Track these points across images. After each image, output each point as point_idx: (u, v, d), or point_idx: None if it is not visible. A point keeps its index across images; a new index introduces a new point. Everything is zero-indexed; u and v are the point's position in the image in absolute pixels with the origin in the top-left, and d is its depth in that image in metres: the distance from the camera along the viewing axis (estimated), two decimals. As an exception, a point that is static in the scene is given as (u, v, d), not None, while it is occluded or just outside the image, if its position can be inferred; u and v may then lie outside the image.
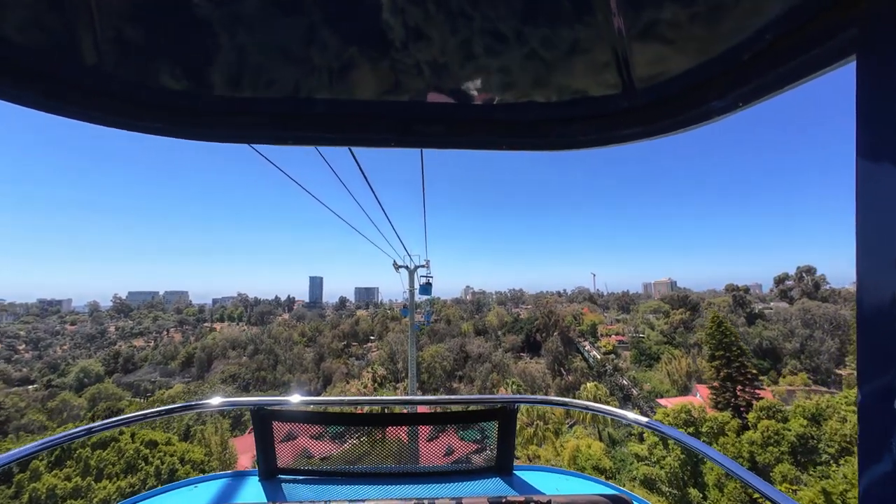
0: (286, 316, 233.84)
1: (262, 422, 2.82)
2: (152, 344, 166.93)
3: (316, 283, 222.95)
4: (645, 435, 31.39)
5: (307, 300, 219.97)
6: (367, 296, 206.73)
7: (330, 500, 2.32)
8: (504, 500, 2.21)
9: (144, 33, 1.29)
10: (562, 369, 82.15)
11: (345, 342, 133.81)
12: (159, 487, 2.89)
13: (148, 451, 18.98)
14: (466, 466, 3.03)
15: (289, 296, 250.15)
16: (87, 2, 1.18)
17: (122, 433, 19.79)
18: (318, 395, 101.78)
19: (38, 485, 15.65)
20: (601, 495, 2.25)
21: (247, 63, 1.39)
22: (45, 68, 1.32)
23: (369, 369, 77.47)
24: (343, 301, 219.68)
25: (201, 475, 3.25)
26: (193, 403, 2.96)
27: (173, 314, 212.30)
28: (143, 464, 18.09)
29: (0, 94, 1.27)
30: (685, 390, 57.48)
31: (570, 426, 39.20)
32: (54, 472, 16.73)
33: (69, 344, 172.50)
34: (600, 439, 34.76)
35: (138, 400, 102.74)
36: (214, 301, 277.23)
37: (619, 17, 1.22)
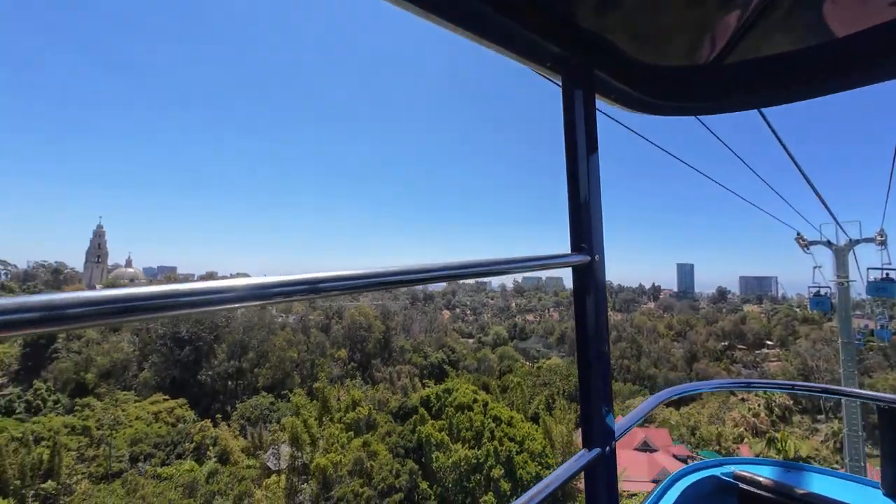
0: (651, 305, 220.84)
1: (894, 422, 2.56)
2: (538, 319, 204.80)
3: (685, 271, 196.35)
4: None
5: (675, 289, 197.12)
6: (757, 287, 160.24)
7: None
8: None
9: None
10: None
11: (725, 343, 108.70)
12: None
13: (494, 425, 21.83)
14: None
15: (653, 284, 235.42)
16: None
17: (475, 401, 23.90)
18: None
19: (422, 428, 21.53)
20: None
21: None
22: None
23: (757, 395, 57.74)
24: (723, 292, 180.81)
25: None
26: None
27: (552, 296, 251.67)
28: (487, 440, 20.86)
29: None
30: None
31: None
32: (431, 422, 22.60)
33: (490, 313, 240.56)
34: None
35: (527, 363, 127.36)
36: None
37: None
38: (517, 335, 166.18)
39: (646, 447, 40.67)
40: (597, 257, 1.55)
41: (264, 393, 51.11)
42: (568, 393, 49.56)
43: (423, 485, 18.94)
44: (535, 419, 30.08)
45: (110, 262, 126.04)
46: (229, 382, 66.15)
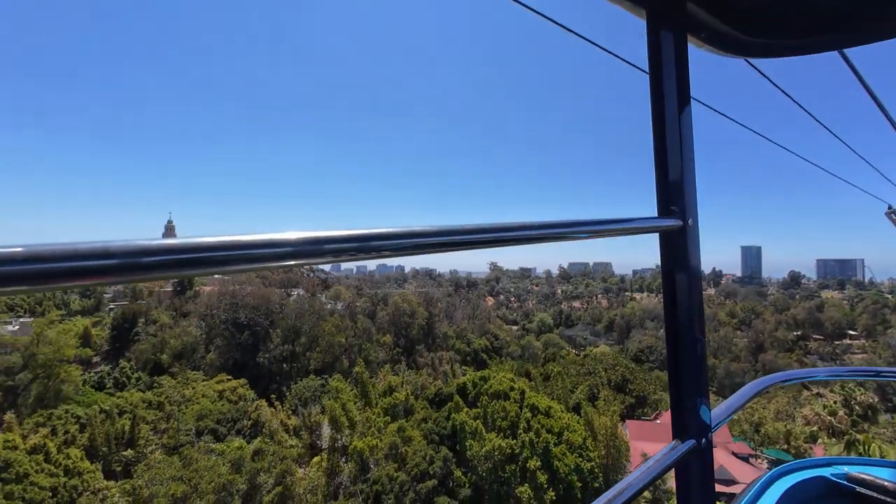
0: (711, 291, 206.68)
1: None
2: (585, 306, 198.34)
3: (751, 254, 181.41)
4: None
5: (738, 273, 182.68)
6: (839, 270, 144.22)
7: None
8: None
9: None
10: None
11: (798, 332, 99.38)
12: None
13: (530, 414, 21.35)
14: None
15: (714, 268, 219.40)
16: None
17: (511, 389, 23.50)
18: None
19: (457, 415, 21.56)
20: None
21: None
22: None
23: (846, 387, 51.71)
24: (796, 277, 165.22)
25: None
26: None
27: (600, 282, 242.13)
28: (523, 430, 20.40)
29: None
30: None
31: None
32: (466, 410, 22.55)
33: (535, 300, 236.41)
34: None
35: (573, 351, 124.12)
36: (634, 272, 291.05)
37: None
38: (563, 322, 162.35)
39: None
40: (690, 222, 1.43)
41: (313, 375, 53.93)
42: (614, 383, 47.40)
43: (458, 472, 18.99)
44: (577, 409, 29.06)
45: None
46: (284, 365, 70.60)
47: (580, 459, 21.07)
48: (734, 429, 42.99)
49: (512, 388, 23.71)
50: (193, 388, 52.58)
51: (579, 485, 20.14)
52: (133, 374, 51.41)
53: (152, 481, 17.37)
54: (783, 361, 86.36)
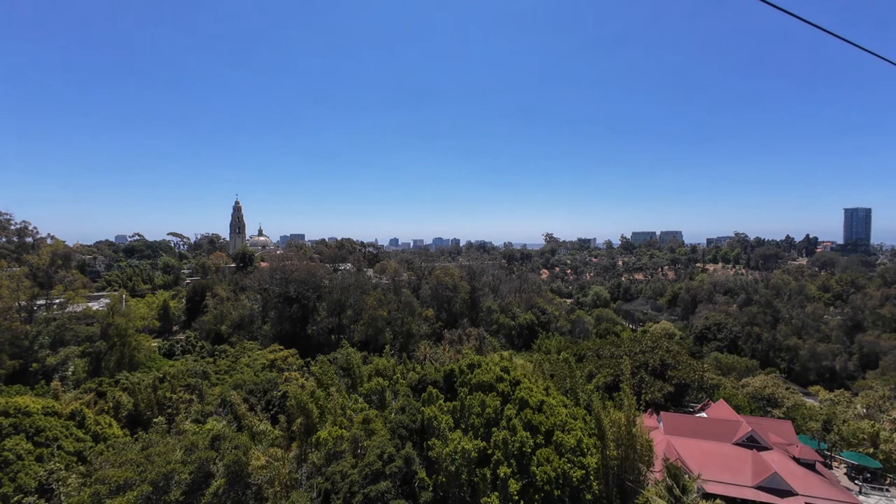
0: (802, 261, 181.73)
1: None
2: (648, 279, 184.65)
3: (857, 218, 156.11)
4: None
5: (839, 241, 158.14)
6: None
7: None
8: None
9: None
10: None
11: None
12: None
13: (514, 410, 18.99)
14: None
15: (807, 235, 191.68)
16: None
17: (501, 380, 21.40)
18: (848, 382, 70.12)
19: (427, 409, 20.09)
20: None
21: None
22: None
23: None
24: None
25: None
26: None
27: (667, 253, 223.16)
28: (497, 429, 17.93)
29: None
30: None
31: None
32: (440, 402, 21.00)
33: (593, 272, 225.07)
34: None
35: (630, 327, 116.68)
36: (708, 241, 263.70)
37: None
38: (621, 296, 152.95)
39: (752, 442, 32.44)
40: None
41: (352, 350, 55.70)
42: (651, 367, 41.61)
43: (422, 473, 17.65)
44: (587, 404, 25.69)
45: (248, 232, 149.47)
46: (332, 336, 74.36)
47: (569, 465, 18.47)
48: (805, 425, 36.89)
49: (501, 380, 21.48)
50: (249, 356, 57.20)
51: (558, 493, 17.76)
52: (197, 343, 57.14)
53: (106, 464, 18.67)
54: (887, 343, 73.31)
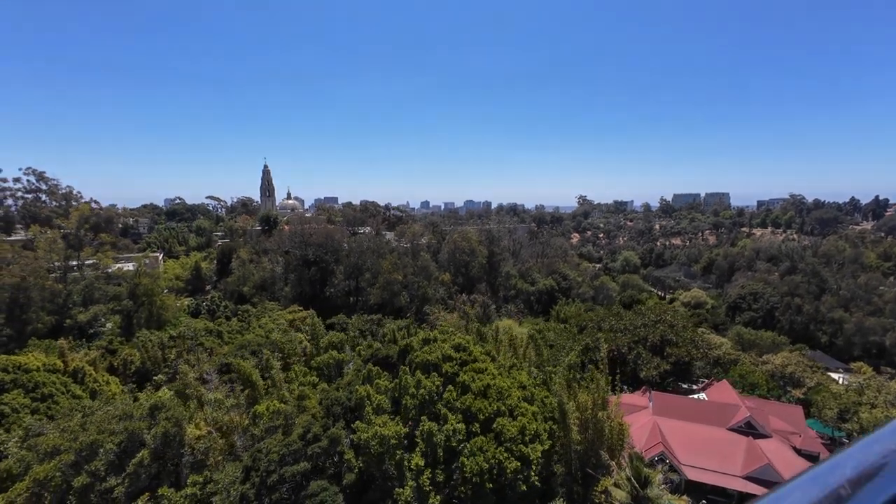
0: (867, 225, 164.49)
1: None
2: (686, 244, 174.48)
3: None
4: None
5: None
6: None
7: None
8: None
9: None
10: None
11: None
12: None
13: (454, 395, 17.96)
14: None
15: (877, 196, 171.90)
16: None
17: (448, 359, 20.56)
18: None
19: (360, 388, 19.56)
20: None
21: None
22: None
23: None
24: None
25: None
26: None
27: (710, 216, 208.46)
28: (427, 416, 17.07)
29: None
30: None
31: None
32: (378, 381, 20.42)
33: (627, 236, 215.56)
34: None
35: (657, 293, 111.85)
36: (759, 203, 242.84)
37: None
38: (653, 261, 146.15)
39: (750, 429, 30.04)
40: None
41: (366, 316, 56.91)
42: (651, 343, 38.89)
43: (349, 454, 17.46)
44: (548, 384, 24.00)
45: (278, 196, 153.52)
46: (350, 298, 76.49)
47: (506, 455, 17.59)
48: (820, 412, 33.84)
49: (449, 359, 20.52)
50: (269, 316, 60.08)
51: (490, 486, 16.99)
52: (221, 302, 60.57)
53: (40, 431, 19.78)
54: (951, 320, 65.68)
